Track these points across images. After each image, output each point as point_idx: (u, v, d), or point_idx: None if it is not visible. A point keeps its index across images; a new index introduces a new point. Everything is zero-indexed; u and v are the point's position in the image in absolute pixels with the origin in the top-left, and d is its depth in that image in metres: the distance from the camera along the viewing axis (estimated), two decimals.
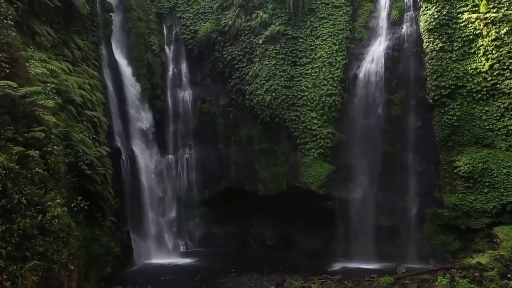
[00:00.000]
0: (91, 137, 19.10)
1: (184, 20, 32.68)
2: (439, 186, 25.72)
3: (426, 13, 26.01)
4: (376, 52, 27.48)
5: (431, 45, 25.70)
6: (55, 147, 11.62)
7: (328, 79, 27.94)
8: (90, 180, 20.10)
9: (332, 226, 27.68)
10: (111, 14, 28.03)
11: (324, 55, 28.42)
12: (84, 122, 19.74)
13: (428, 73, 25.74)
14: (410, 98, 26.67)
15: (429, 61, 25.69)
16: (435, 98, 25.50)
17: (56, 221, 10.25)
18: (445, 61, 25.22)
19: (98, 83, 22.64)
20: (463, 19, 24.99)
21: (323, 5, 29.38)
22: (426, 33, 25.94)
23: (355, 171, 27.43)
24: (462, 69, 24.90)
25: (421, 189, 26.11)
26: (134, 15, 30.59)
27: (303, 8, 29.50)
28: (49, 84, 12.73)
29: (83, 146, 17.83)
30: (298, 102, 28.51)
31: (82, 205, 12.73)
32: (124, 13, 30.31)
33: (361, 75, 27.60)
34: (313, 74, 28.51)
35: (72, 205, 12.45)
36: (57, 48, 19.43)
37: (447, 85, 25.11)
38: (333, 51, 28.30)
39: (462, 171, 24.53)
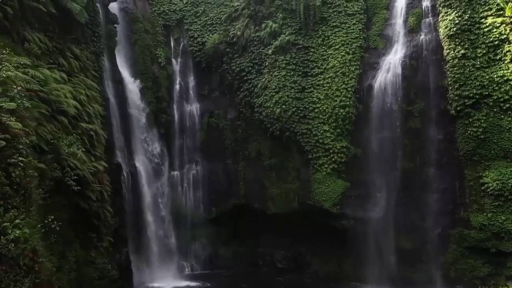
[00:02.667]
0: (83, 150, 17.76)
1: (192, 32, 31.85)
2: (465, 205, 23.60)
3: (446, 19, 24.39)
4: (393, 61, 25.95)
5: (452, 52, 23.98)
6: (22, 159, 10.17)
7: (341, 90, 26.46)
8: (83, 197, 18.84)
9: (347, 247, 26.01)
10: (115, 25, 27.25)
11: (337, 65, 27.02)
12: (78, 135, 18.53)
13: (449, 82, 23.96)
14: (430, 109, 24.93)
15: (451, 69, 23.94)
16: (458, 108, 23.61)
17: (13, 245, 8.72)
18: (468, 69, 23.41)
19: (96, 95, 21.53)
20: (487, 24, 23.23)
21: (335, 13, 28.15)
22: (447, 39, 24.28)
23: (372, 188, 25.77)
24: (487, 77, 23.01)
25: (444, 208, 24.05)
26: (140, 27, 29.83)
27: (314, 17, 28.29)
28: (15, 86, 11.39)
29: (74, 160, 16.51)
30: (310, 114, 27.15)
31: (53, 226, 11.03)
32: (130, 25, 29.59)
33: (376, 85, 26.03)
34: (325, 85, 27.12)
35: (40, 225, 10.89)
36: (51, 56, 18.40)
37: (471, 95, 23.21)
38: (346, 61, 26.90)
39: (491, 188, 22.37)
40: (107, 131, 23.20)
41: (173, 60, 31.95)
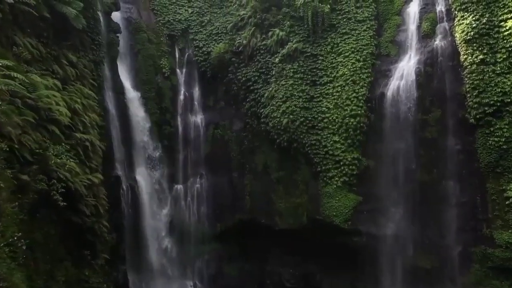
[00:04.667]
0: (76, 161, 16.70)
1: (197, 41, 31.02)
2: (488, 221, 21.99)
3: (463, 23, 23.16)
4: (406, 68, 24.77)
5: (470, 57, 22.67)
6: None
7: (352, 99, 25.24)
8: (76, 212, 17.72)
9: (360, 266, 24.75)
10: (117, 35, 26.55)
11: (347, 72, 25.86)
12: (72, 145, 17.52)
13: (468, 89, 22.60)
14: (447, 118, 23.59)
15: (469, 76, 22.60)
16: (478, 117, 22.16)
17: None
18: (487, 75, 22.05)
19: (94, 104, 20.60)
20: (507, 27, 21.93)
21: (344, 20, 27.16)
22: (464, 44, 23.00)
23: (386, 202, 24.42)
24: (509, 83, 21.60)
25: (465, 224, 22.47)
26: (144, 37, 29.13)
27: (322, 24, 27.32)
28: None
29: (64, 172, 15.40)
30: (319, 124, 26.00)
31: (20, 245, 9.82)
32: (133, 35, 28.94)
33: (389, 93, 24.77)
34: (334, 93, 25.95)
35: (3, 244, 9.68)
36: (44, 63, 17.52)
37: (491, 102, 21.77)
38: (357, 68, 25.73)
39: None
40: (106, 142, 22.23)
41: (177, 70, 31.06)
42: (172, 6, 31.40)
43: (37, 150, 13.52)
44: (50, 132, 15.83)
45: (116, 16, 27.29)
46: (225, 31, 30.70)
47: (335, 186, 25.13)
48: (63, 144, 14.98)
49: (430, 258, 23.38)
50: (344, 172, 25.01)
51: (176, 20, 31.23)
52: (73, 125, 18.14)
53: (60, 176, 15.29)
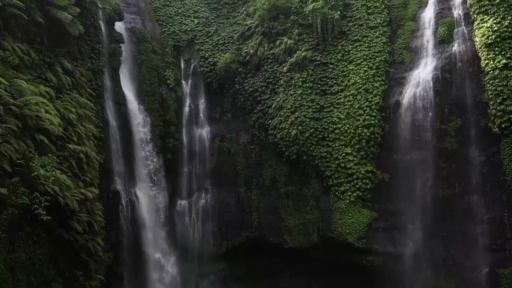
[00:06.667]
0: (69, 174, 15.52)
1: (203, 52, 30.19)
2: None
3: (483, 26, 21.83)
4: (422, 75, 23.56)
5: (491, 62, 21.25)
6: None
7: (365, 108, 24.01)
8: (68, 229, 16.45)
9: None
10: (120, 45, 25.76)
11: (359, 81, 24.67)
12: (64, 157, 16.38)
13: (490, 96, 21.10)
14: (468, 127, 22.16)
15: (491, 82, 21.14)
16: (502, 126, 20.61)
17: None
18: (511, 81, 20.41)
19: (91, 114, 19.55)
20: None
21: (355, 26, 26.16)
22: (484, 49, 21.61)
23: (403, 219, 22.97)
24: None
25: (492, 242, 20.72)
26: (148, 47, 28.32)
27: (332, 31, 26.33)
28: None
29: (52, 185, 14.16)
30: (330, 136, 24.86)
31: None
32: (137, 45, 28.16)
33: (404, 101, 23.46)
34: (346, 103, 24.77)
35: None
36: (36, 69, 16.56)
37: None
38: (369, 76, 24.57)
39: None
40: (104, 155, 21.20)
41: (183, 81, 30.16)
42: (178, 17, 30.77)
43: (18, 161, 12.31)
44: (38, 142, 14.70)
45: (119, 26, 26.60)
46: (231, 41, 29.89)
47: (347, 201, 23.86)
48: (49, 155, 13.71)
49: (453, 280, 21.67)
50: (357, 186, 23.78)
51: (182, 30, 30.50)
52: (66, 136, 17.03)
53: (48, 189, 14.06)
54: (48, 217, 12.59)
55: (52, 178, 13.12)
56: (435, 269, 22.01)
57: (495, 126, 20.81)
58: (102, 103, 22.67)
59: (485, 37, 21.59)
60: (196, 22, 30.77)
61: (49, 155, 13.66)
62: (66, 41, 19.15)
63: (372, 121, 23.74)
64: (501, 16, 21.31)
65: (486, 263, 20.86)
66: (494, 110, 20.87)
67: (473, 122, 21.93)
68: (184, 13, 30.94)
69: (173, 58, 29.89)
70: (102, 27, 23.62)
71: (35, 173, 12.63)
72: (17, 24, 15.88)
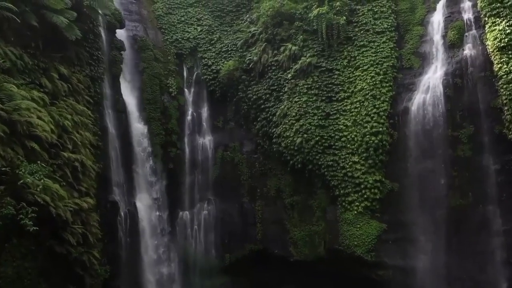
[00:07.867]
0: (62, 184, 14.83)
1: (206, 59, 29.62)
2: None
3: (495, 29, 21.07)
4: (432, 80, 22.74)
5: (505, 66, 20.40)
6: None
7: (372, 115, 23.18)
8: (61, 241, 15.72)
9: None
10: (121, 52, 25.31)
11: (366, 87, 23.90)
12: (58, 165, 15.71)
13: (504, 102, 20.24)
14: (481, 134, 21.19)
15: (505, 87, 20.25)
16: None
17: None
18: None
19: (88, 122, 18.94)
20: None
21: (362, 32, 25.50)
22: (497, 53, 20.80)
23: (415, 230, 21.90)
24: None
25: (510, 256, 19.70)
26: (149, 55, 27.78)
27: (338, 36, 25.66)
28: None
29: (42, 195, 13.44)
30: (336, 144, 23.99)
31: None
32: (138, 53, 27.59)
33: (414, 108, 22.61)
34: (353, 110, 23.98)
35: None
36: (30, 74, 15.98)
37: None
38: (377, 82, 23.78)
39: None
40: (102, 164, 20.53)
41: (185, 90, 29.54)
42: (181, 25, 30.31)
43: (4, 168, 11.60)
44: (29, 149, 14.04)
45: (121, 34, 26.16)
46: (235, 48, 29.31)
47: (355, 212, 22.86)
48: (38, 162, 12.98)
49: None
50: (365, 196, 22.78)
51: (185, 38, 29.99)
52: (61, 143, 16.41)
53: (38, 199, 13.35)
54: (35, 228, 11.80)
55: (41, 186, 12.35)
56: (449, 284, 20.88)
57: (511, 133, 19.85)
58: (101, 110, 22.09)
59: (497, 40, 20.74)
60: (199, 30, 30.27)
61: (38, 162, 12.89)
62: (63, 46, 18.63)
63: (380, 129, 22.84)
64: None
65: (504, 277, 19.67)
66: (509, 116, 19.90)
67: (486, 128, 20.98)
68: (187, 21, 30.46)
69: (175, 66, 29.32)
70: (102, 34, 23.16)
71: (21, 181, 11.87)
72: (10, 27, 15.38)
